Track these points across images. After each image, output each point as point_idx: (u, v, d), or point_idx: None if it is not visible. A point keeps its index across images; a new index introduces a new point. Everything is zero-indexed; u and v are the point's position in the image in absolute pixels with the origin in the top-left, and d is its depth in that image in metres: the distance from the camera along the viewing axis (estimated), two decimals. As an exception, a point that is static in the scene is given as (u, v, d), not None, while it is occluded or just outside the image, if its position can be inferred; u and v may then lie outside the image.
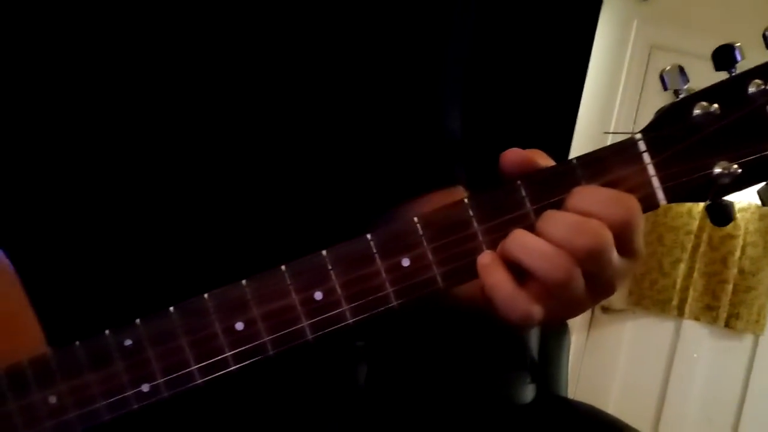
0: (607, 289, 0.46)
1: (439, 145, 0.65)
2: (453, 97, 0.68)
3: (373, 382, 2.16)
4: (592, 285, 0.45)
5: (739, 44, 0.45)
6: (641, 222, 0.44)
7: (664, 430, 3.04)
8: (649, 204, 0.45)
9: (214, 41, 0.56)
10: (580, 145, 2.87)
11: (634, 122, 3.00)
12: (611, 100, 3.00)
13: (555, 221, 0.44)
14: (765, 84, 0.44)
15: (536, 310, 0.44)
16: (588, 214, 0.43)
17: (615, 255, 0.44)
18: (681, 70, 0.47)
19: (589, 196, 0.44)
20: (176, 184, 0.56)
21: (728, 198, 0.46)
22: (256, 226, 0.58)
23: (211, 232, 0.57)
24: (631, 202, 0.44)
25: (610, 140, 0.48)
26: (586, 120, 2.92)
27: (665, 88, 0.46)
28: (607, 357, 3.06)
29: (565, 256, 0.43)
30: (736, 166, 0.44)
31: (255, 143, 0.58)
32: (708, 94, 0.45)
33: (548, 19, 2.75)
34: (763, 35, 0.45)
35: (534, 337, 2.70)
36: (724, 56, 0.45)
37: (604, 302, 3.03)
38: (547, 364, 2.70)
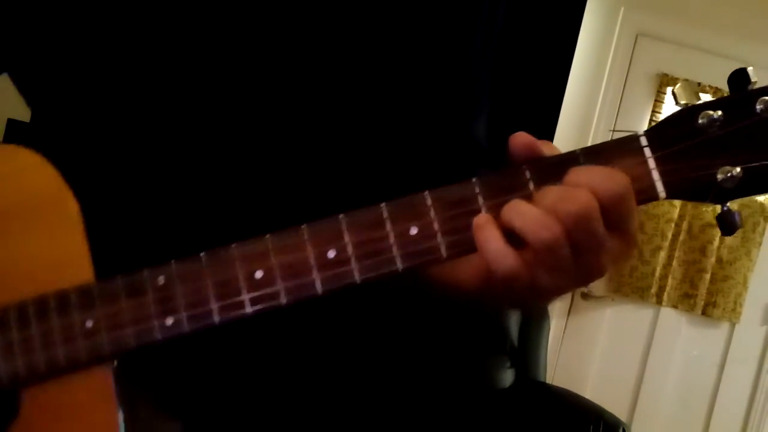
0: (594, 267, 0.47)
1: (465, 152, 0.67)
2: (480, 103, 0.71)
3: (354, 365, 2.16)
4: (579, 257, 0.46)
5: (751, 68, 0.46)
6: (631, 199, 0.45)
7: (640, 415, 3.08)
8: (648, 195, 0.47)
9: (256, 35, 0.61)
10: (565, 129, 2.88)
11: (619, 108, 3.01)
12: (596, 86, 3.00)
13: (547, 191, 0.46)
14: None
15: (523, 270, 0.46)
16: (578, 185, 0.45)
17: (601, 227, 0.45)
18: (692, 88, 0.48)
19: (582, 171, 0.46)
20: (221, 160, 0.61)
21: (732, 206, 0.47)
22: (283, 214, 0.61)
23: (245, 213, 0.61)
24: (621, 177, 0.45)
25: (592, 133, 0.49)
26: (572, 104, 2.92)
27: (676, 103, 0.48)
28: (585, 343, 3.09)
29: (552, 219, 0.45)
30: (738, 169, 0.45)
31: (291, 143, 0.62)
32: (715, 105, 0.46)
33: (535, 5, 2.74)
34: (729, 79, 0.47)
35: (514, 323, 2.71)
36: (738, 80, 0.46)
37: (584, 288, 3.05)
38: (527, 350, 2.72)
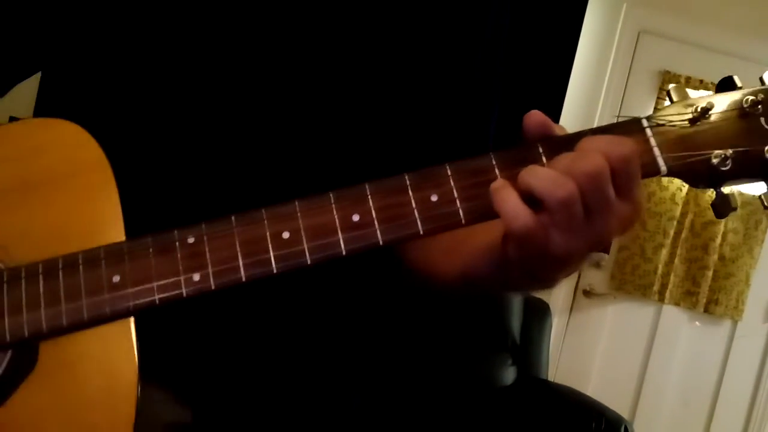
0: (604, 230, 0.49)
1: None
2: (491, 109, 0.74)
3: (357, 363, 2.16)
4: (590, 218, 0.48)
5: (737, 76, 0.52)
6: (637, 162, 0.49)
7: (642, 413, 3.09)
8: (651, 169, 0.51)
9: (277, 33, 0.65)
10: (567, 126, 2.86)
11: (621, 105, 3.00)
12: (599, 83, 2.99)
13: (561, 156, 0.50)
14: (756, 96, 0.51)
15: (538, 229, 0.48)
16: (590, 150, 0.49)
17: (611, 189, 0.48)
18: (686, 90, 0.53)
19: (592, 139, 0.50)
20: (248, 137, 0.65)
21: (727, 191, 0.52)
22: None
23: (270, 194, 0.63)
24: (628, 142, 0.49)
25: (597, 122, 0.51)
26: (574, 102, 2.92)
27: (671, 102, 0.52)
28: (587, 340, 3.09)
29: (567, 178, 0.48)
30: (731, 151, 0.50)
31: (301, 135, 0.66)
32: (708, 100, 0.52)
33: (537, 2, 2.73)
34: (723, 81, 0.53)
35: (515, 320, 2.71)
36: (726, 87, 0.52)
37: (586, 286, 3.05)
38: (528, 347, 2.72)
